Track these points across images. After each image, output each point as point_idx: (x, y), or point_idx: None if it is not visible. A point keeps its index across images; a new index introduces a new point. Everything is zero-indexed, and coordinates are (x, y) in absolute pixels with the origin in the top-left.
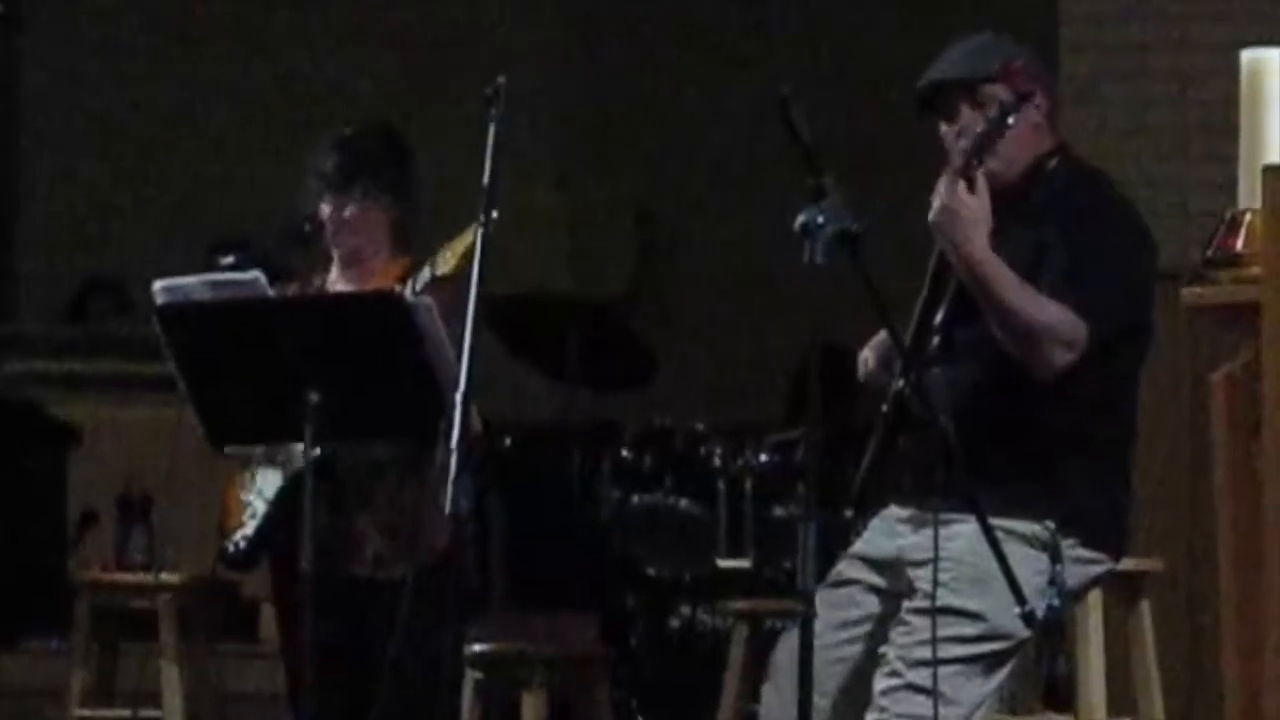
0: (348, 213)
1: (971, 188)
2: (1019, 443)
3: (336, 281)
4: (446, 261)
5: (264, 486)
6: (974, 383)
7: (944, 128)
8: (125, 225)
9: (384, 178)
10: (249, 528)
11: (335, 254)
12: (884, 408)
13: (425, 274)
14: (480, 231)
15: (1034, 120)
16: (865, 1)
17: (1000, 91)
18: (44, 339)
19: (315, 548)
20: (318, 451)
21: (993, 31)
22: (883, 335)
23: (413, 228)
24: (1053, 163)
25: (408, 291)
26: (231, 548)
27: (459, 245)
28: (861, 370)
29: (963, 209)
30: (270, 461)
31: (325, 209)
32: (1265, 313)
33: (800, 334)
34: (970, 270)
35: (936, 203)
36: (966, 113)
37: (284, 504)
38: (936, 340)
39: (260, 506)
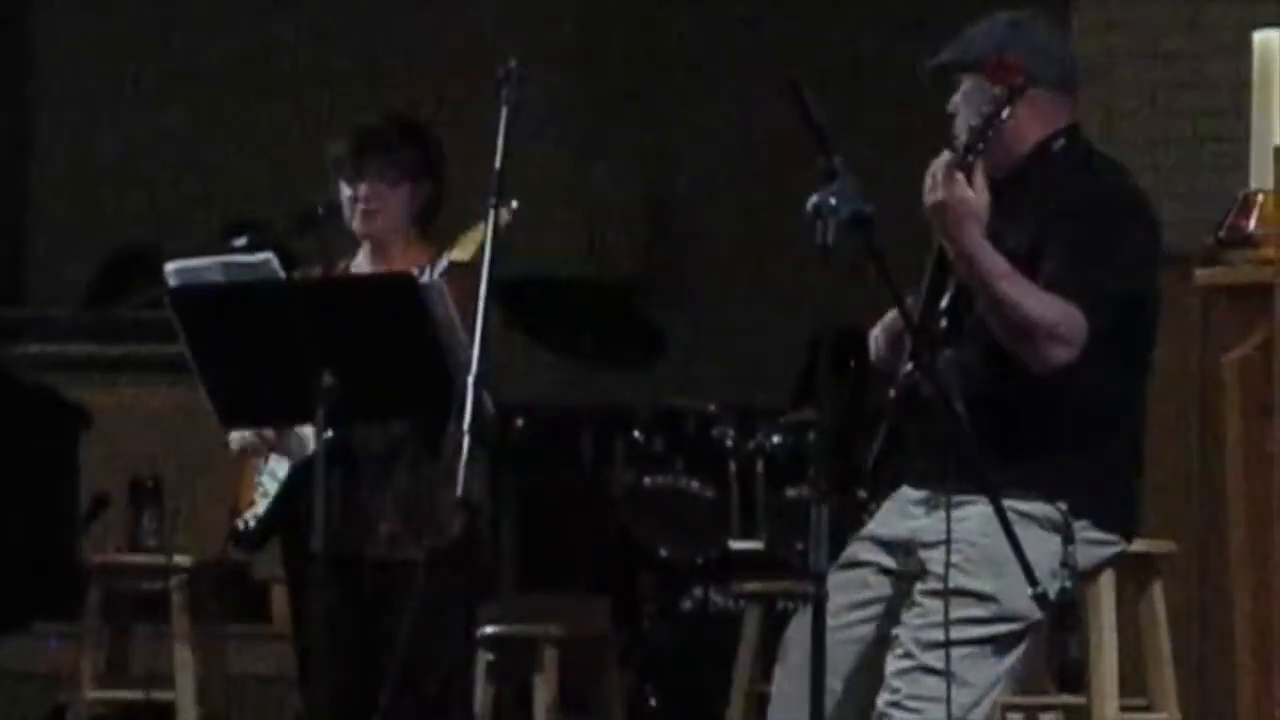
0: (362, 194)
1: (970, 179)
2: (1031, 424)
3: (362, 266)
4: (465, 248)
5: (276, 466)
6: (985, 364)
7: (953, 100)
8: (140, 210)
9: (398, 161)
10: (259, 507)
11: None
12: (891, 392)
13: (444, 261)
14: (491, 213)
15: (1035, 108)
16: None
17: (993, 83)
18: (56, 322)
19: (329, 527)
20: (330, 433)
21: (1023, 11)
22: (892, 314)
23: (435, 213)
24: (1059, 144)
25: (425, 277)
26: (241, 526)
27: (477, 233)
28: (873, 350)
29: (959, 205)
30: (280, 450)
31: (346, 192)
32: (1278, 293)
33: (811, 316)
34: (966, 264)
35: (935, 195)
36: (968, 85)
37: (296, 484)
38: (944, 323)
39: (272, 486)
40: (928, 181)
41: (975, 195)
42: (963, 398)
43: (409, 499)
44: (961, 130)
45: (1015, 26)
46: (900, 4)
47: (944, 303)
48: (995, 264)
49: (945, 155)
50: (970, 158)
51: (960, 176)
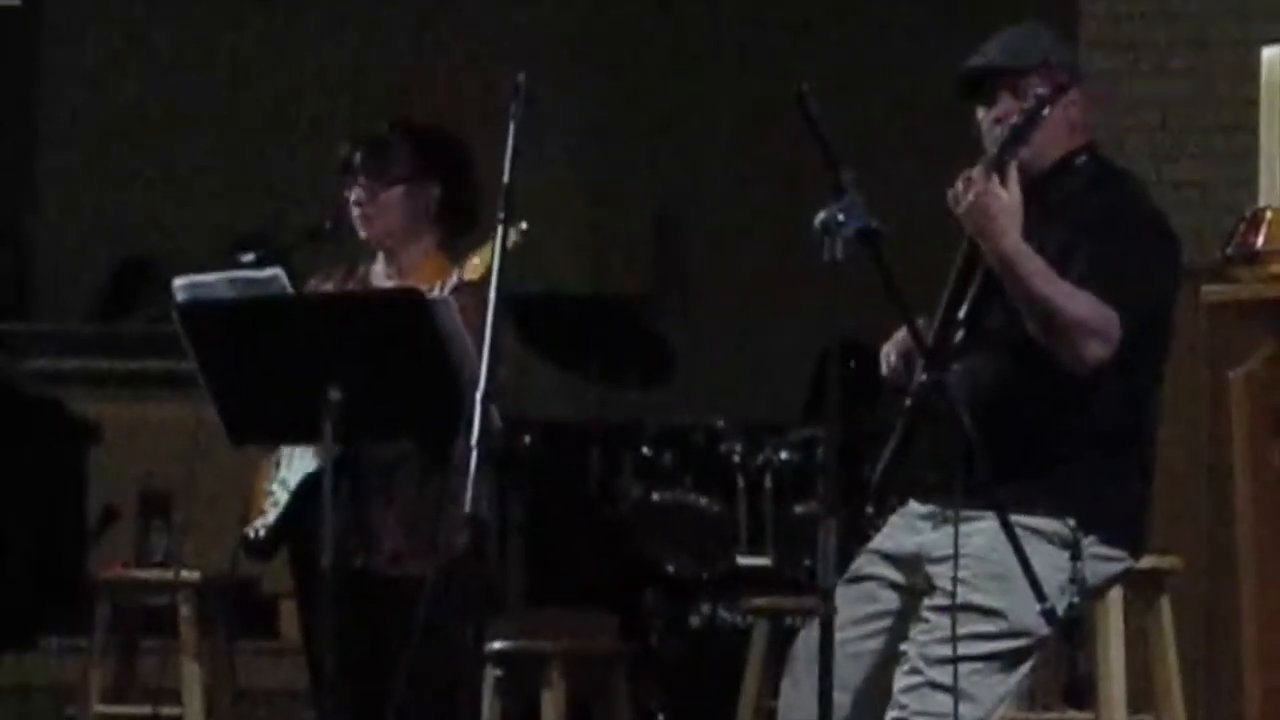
0: (355, 198)
1: (1004, 180)
2: (1040, 439)
3: (379, 274)
4: (475, 267)
5: (287, 476)
6: (996, 378)
7: (981, 113)
8: (147, 222)
9: (389, 164)
10: (270, 516)
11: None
12: (907, 402)
13: (454, 278)
14: (500, 229)
15: (1068, 117)
16: (884, 4)
17: (1038, 84)
18: (65, 336)
19: (334, 543)
20: (336, 450)
21: (1036, 23)
22: (904, 331)
23: (456, 217)
24: (1081, 160)
25: (434, 292)
26: (252, 534)
27: (488, 251)
28: (884, 366)
29: (995, 202)
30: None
31: (350, 198)
32: None
33: (820, 332)
34: (1003, 264)
35: (969, 196)
36: (1007, 100)
37: (306, 495)
38: (960, 334)
39: (283, 496)
40: (959, 185)
41: (1012, 194)
42: (972, 412)
43: (412, 514)
44: (990, 138)
45: (1049, 33)
46: (913, 16)
47: (962, 312)
48: (1033, 263)
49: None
50: (1006, 158)
51: (995, 177)
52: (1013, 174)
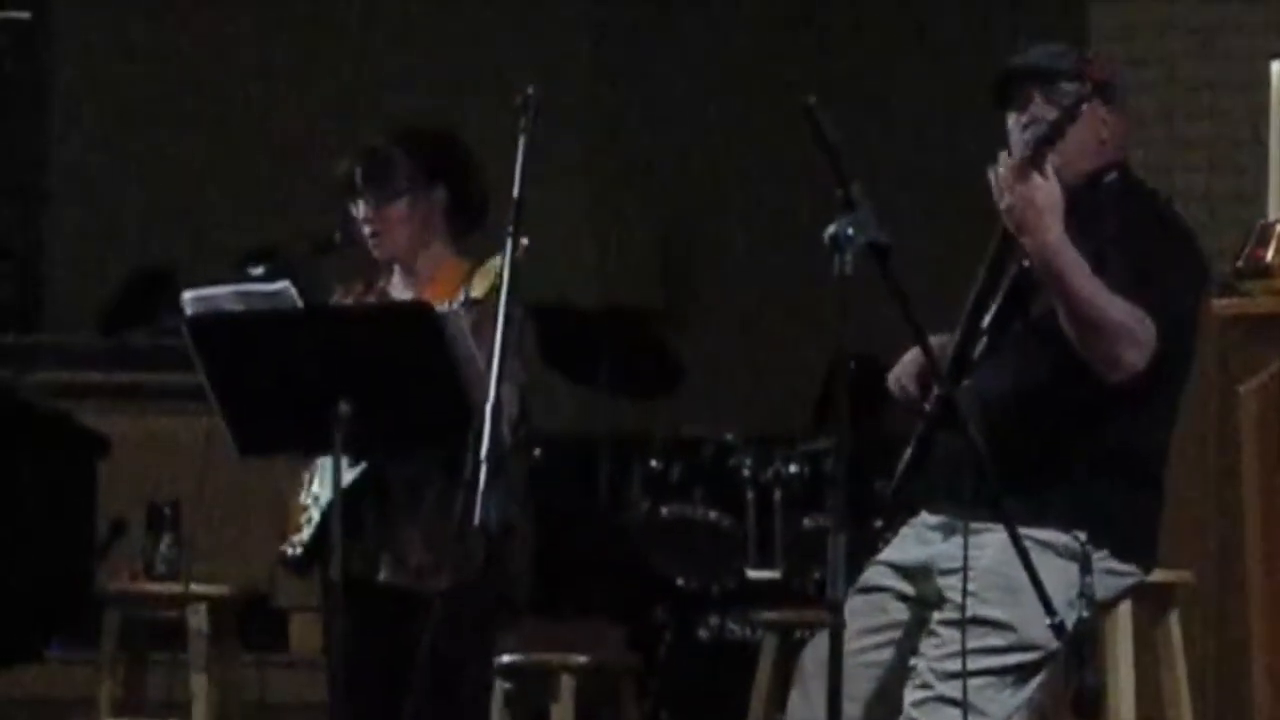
0: (363, 217)
1: (1043, 174)
2: (1053, 451)
3: (396, 285)
4: (480, 286)
5: (320, 492)
6: (1012, 389)
7: (1011, 119)
8: (157, 236)
9: (391, 177)
10: (305, 533)
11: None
12: (927, 406)
13: (462, 295)
14: (509, 243)
15: (1099, 133)
16: (893, 19)
17: (1075, 87)
18: (74, 349)
19: (360, 557)
20: (363, 465)
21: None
22: (912, 353)
23: (468, 216)
24: (1110, 177)
25: (443, 308)
26: (289, 551)
27: (492, 267)
28: (895, 388)
29: (1038, 194)
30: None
31: (357, 215)
32: None
33: (829, 345)
34: (1047, 259)
35: (1012, 192)
36: (1039, 103)
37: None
38: (984, 339)
39: (315, 513)
40: (993, 181)
41: (1052, 185)
42: (987, 422)
43: (436, 529)
44: (1019, 145)
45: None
46: (924, 33)
47: (986, 320)
48: (1076, 260)
49: (1005, 157)
50: (1042, 148)
51: (1034, 171)
52: (1049, 168)
